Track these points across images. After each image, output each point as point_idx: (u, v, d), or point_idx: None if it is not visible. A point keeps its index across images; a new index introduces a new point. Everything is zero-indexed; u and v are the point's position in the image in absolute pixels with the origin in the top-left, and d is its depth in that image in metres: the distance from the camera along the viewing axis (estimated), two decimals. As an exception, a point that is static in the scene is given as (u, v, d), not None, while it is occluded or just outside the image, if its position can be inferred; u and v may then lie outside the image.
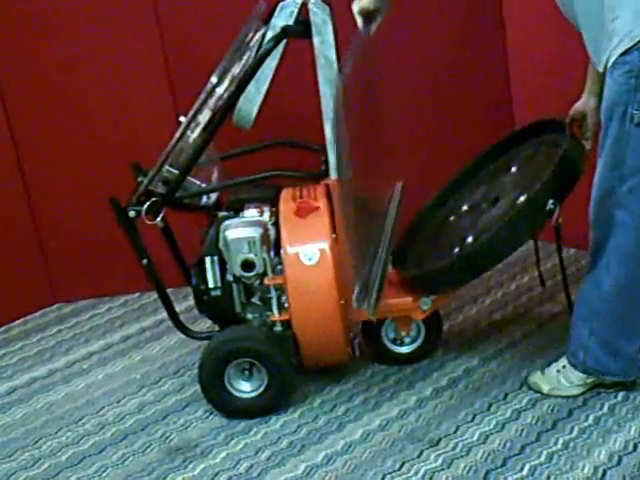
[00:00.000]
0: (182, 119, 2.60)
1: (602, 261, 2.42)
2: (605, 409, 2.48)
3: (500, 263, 2.65)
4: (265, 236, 2.59)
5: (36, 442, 2.69)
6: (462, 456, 2.37)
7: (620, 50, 2.17)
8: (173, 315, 2.78)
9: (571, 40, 2.46)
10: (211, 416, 2.69)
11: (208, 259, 2.63)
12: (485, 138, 2.94)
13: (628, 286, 2.40)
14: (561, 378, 2.55)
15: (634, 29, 2.14)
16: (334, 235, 2.55)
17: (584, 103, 2.57)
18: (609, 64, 2.21)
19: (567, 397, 2.55)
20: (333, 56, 2.46)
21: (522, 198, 2.51)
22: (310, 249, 2.52)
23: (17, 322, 3.55)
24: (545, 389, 2.58)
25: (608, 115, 2.26)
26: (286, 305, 2.59)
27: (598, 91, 2.45)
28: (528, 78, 3.44)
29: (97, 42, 3.31)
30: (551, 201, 2.40)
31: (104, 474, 2.49)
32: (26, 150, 3.44)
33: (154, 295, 3.23)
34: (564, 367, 2.55)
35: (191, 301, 2.90)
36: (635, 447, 2.31)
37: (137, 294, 3.61)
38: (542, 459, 2.31)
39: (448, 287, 2.69)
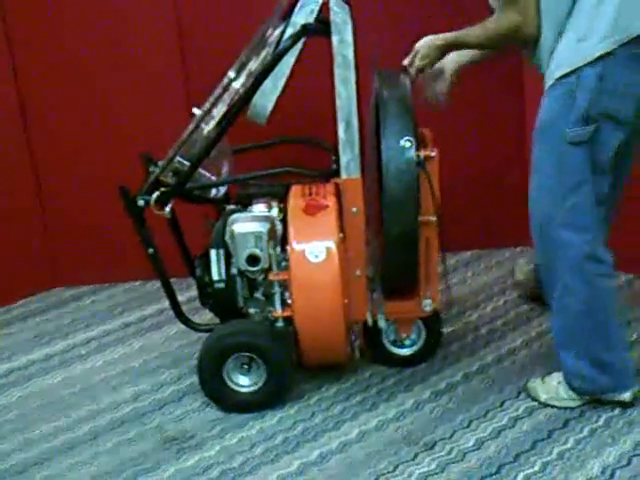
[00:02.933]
0: (196, 111, 2.61)
1: (559, 284, 2.44)
2: (601, 422, 2.48)
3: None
4: (272, 231, 2.60)
5: (30, 426, 2.69)
6: (456, 461, 2.37)
7: (559, 73, 2.31)
8: (175, 305, 2.78)
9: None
10: (207, 408, 2.69)
11: (214, 252, 2.64)
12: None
13: (592, 298, 2.43)
14: (560, 389, 2.56)
15: (574, 56, 2.29)
16: (341, 234, 2.56)
17: (440, 67, 2.64)
18: (547, 85, 2.36)
19: (563, 408, 2.55)
20: (351, 56, 2.46)
21: None
22: (317, 247, 2.52)
23: (17, 304, 3.56)
24: (542, 397, 2.59)
25: (543, 134, 2.38)
26: (289, 301, 2.59)
27: (464, 60, 2.65)
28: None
29: (113, 31, 3.33)
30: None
31: (97, 461, 2.50)
32: (36, 134, 3.45)
33: (156, 284, 3.23)
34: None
35: (193, 292, 2.90)
36: (629, 461, 2.32)
37: (139, 282, 3.61)
38: (536, 468, 2.32)
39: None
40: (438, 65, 2.61)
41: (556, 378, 2.58)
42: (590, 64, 2.26)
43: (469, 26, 2.43)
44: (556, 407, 2.56)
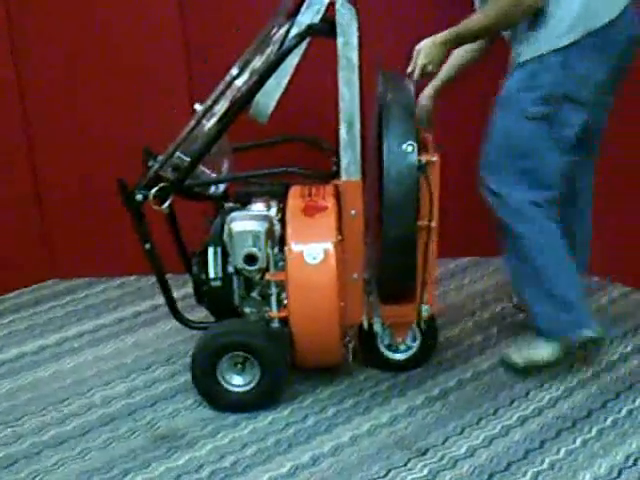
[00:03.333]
0: (197, 107, 2.59)
1: (511, 234, 2.66)
2: (593, 433, 2.48)
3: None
4: (270, 231, 2.59)
5: (19, 419, 2.68)
6: (448, 468, 2.36)
7: (526, 57, 2.53)
8: (170, 302, 2.76)
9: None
10: (200, 407, 2.68)
11: (211, 249, 2.63)
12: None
13: (544, 239, 2.66)
14: (532, 345, 2.75)
15: (542, 42, 2.49)
16: (339, 237, 2.54)
17: (427, 98, 2.83)
18: (518, 61, 2.56)
19: (544, 367, 2.74)
20: (355, 58, 2.45)
21: None
22: (315, 248, 2.51)
23: (11, 294, 3.54)
24: (520, 363, 2.76)
25: (503, 105, 2.59)
26: (285, 302, 2.58)
27: (438, 84, 2.84)
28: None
29: (115, 24, 3.31)
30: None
31: (87, 457, 2.48)
32: (35, 125, 3.44)
33: (151, 279, 3.22)
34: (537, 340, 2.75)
35: (189, 288, 2.88)
36: (620, 473, 2.32)
37: (134, 277, 3.60)
38: (527, 478, 2.31)
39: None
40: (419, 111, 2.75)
41: (527, 338, 2.78)
42: (555, 51, 2.47)
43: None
44: (538, 366, 2.71)
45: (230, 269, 2.64)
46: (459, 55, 2.80)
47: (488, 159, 2.65)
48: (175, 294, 2.80)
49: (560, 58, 2.48)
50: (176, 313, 2.79)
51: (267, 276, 2.59)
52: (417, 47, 2.58)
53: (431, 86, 2.83)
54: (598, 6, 2.45)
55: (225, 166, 2.72)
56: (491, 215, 2.69)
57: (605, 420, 2.52)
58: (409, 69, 2.58)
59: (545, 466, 2.35)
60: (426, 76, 2.60)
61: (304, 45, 2.48)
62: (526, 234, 2.65)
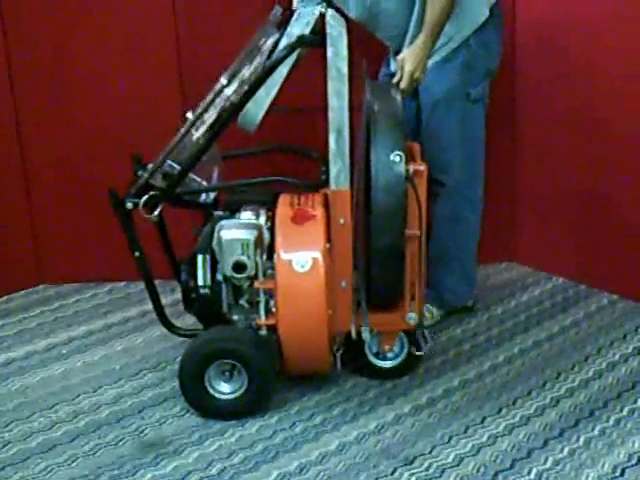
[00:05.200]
0: (189, 115, 2.60)
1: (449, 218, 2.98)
2: (581, 442, 2.49)
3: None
4: (259, 239, 2.59)
5: (7, 425, 2.67)
6: (435, 477, 2.37)
7: (453, 46, 2.74)
8: (159, 309, 2.77)
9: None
10: (187, 414, 2.68)
11: (200, 257, 2.63)
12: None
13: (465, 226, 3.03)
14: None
15: (463, 28, 2.73)
16: (328, 245, 2.55)
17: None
18: (438, 59, 2.76)
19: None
20: (345, 69, 2.46)
21: None
22: (303, 256, 2.52)
23: (0, 299, 3.53)
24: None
25: (447, 101, 2.79)
26: (273, 310, 2.59)
27: None
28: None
29: (109, 33, 3.32)
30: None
31: (74, 463, 2.48)
32: (27, 132, 3.43)
33: (140, 285, 3.22)
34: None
35: (177, 295, 2.90)
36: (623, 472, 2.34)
37: (123, 283, 3.59)
38: (514, 486, 2.33)
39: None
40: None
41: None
42: (474, 33, 2.75)
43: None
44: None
45: (219, 277, 2.65)
46: None
47: (447, 159, 2.86)
48: (164, 301, 2.81)
49: (480, 38, 2.76)
50: (164, 320, 2.79)
51: (256, 284, 2.60)
52: (399, 57, 2.65)
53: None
54: None
55: (215, 174, 2.73)
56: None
57: (593, 429, 2.53)
58: (395, 79, 2.60)
59: (532, 476, 2.35)
60: (415, 83, 2.63)
61: (294, 56, 2.49)
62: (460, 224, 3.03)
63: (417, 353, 2.78)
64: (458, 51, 2.77)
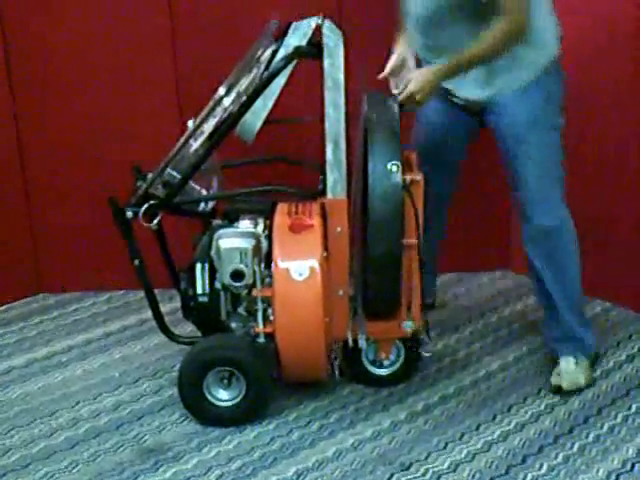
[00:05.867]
0: (190, 123, 2.63)
1: (564, 255, 2.79)
2: (575, 448, 2.52)
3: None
4: (257, 248, 2.62)
5: (8, 432, 2.70)
6: (431, 483, 2.40)
7: (534, 75, 2.63)
8: (158, 317, 2.79)
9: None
10: (186, 421, 2.71)
11: (199, 265, 2.66)
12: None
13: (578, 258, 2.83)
14: (578, 369, 2.82)
15: (542, 57, 2.64)
16: (325, 253, 2.58)
17: (400, 58, 2.77)
18: (514, 88, 2.64)
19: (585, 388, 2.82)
20: (341, 80, 2.50)
21: None
22: (301, 265, 2.55)
23: (0, 309, 3.55)
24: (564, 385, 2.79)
25: (534, 128, 2.66)
26: (271, 318, 2.62)
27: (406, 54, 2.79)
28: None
29: (107, 42, 3.35)
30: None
31: (74, 470, 2.51)
32: (27, 142, 3.46)
33: (139, 294, 3.25)
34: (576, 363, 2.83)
35: (176, 303, 2.92)
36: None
37: (122, 292, 3.61)
38: (509, 492, 2.35)
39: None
40: (397, 61, 2.75)
41: (568, 362, 2.82)
42: (552, 61, 2.65)
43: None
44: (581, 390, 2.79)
45: (217, 285, 2.67)
46: None
47: (541, 193, 2.71)
48: (162, 309, 2.83)
49: (555, 66, 2.66)
50: (164, 328, 2.82)
51: (254, 292, 2.62)
52: (410, 74, 2.62)
53: (408, 58, 2.79)
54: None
55: (215, 183, 2.76)
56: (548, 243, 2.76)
57: (587, 436, 2.56)
58: (396, 90, 2.62)
59: (527, 482, 2.39)
60: (412, 104, 2.59)
61: (291, 67, 2.53)
62: (576, 259, 2.83)
63: (425, 354, 2.83)
64: (540, 80, 2.64)
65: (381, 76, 2.74)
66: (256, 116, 2.56)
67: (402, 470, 2.45)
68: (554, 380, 2.80)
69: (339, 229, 2.61)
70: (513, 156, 2.70)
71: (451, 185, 3.02)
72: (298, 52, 2.52)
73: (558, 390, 2.77)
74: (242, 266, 2.60)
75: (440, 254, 3.13)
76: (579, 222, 2.87)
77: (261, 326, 2.63)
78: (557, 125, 2.70)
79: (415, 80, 2.56)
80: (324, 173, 2.60)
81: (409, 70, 2.74)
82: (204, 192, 2.74)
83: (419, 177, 2.54)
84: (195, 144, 2.61)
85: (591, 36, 3.11)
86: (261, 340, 2.64)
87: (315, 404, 2.78)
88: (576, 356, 2.82)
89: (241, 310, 2.72)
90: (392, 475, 2.43)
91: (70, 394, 2.91)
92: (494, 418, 2.68)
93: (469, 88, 2.69)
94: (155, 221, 2.61)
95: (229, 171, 2.87)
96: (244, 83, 2.58)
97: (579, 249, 2.81)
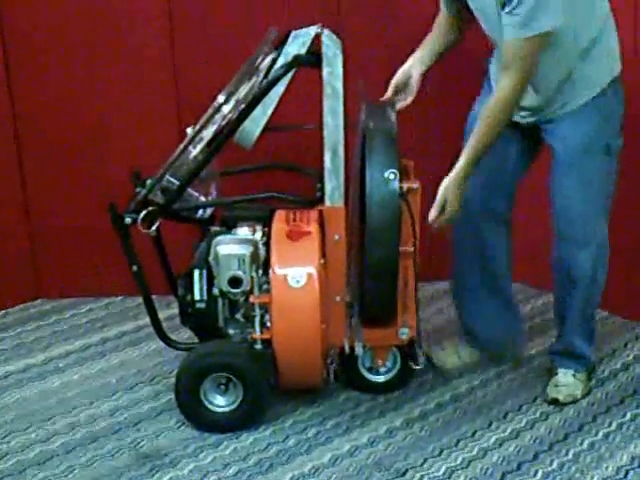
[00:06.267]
0: (189, 131, 2.65)
1: (589, 277, 2.73)
2: (570, 455, 2.53)
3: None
4: (255, 255, 2.64)
5: (5, 437, 2.70)
6: (427, 489, 2.41)
7: (592, 94, 2.53)
8: (156, 323, 2.80)
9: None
10: (183, 427, 2.71)
11: (197, 272, 2.67)
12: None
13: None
14: (577, 381, 2.82)
15: (604, 76, 2.55)
16: (322, 260, 2.60)
17: (412, 66, 2.73)
18: (576, 105, 2.55)
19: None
20: (340, 88, 2.51)
21: None
22: (298, 272, 2.56)
23: (-2, 314, 3.56)
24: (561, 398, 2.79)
25: (587, 152, 2.56)
26: (269, 324, 2.63)
27: (427, 61, 2.73)
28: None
29: (106, 47, 3.35)
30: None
31: (71, 475, 2.51)
32: (26, 146, 3.46)
33: (137, 300, 3.26)
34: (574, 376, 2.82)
35: (173, 310, 2.92)
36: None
37: (120, 297, 3.62)
38: (505, 499, 2.36)
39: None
40: (402, 78, 2.72)
41: (566, 375, 2.82)
42: (610, 83, 2.55)
43: None
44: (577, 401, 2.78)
45: (215, 291, 2.68)
46: (436, 41, 2.75)
47: (600, 221, 2.68)
48: (160, 315, 2.83)
49: (614, 87, 2.56)
50: (161, 334, 2.82)
51: (251, 299, 2.63)
52: (441, 196, 2.51)
53: (421, 64, 2.74)
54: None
55: (213, 189, 2.78)
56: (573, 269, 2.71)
57: (582, 443, 2.58)
58: (431, 216, 2.53)
59: (521, 490, 2.40)
60: (444, 218, 2.54)
61: (290, 75, 2.54)
62: (600, 279, 2.77)
63: (415, 367, 2.80)
64: (597, 99, 2.53)
65: (386, 96, 2.73)
66: (255, 124, 2.57)
67: (398, 476, 2.46)
68: (551, 392, 2.80)
69: (337, 236, 2.63)
70: (559, 180, 2.63)
71: (509, 204, 2.87)
72: (297, 60, 2.53)
73: (555, 402, 2.78)
74: (240, 272, 2.61)
75: (443, 264, 3.09)
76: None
77: (258, 332, 2.64)
78: (614, 149, 2.60)
79: (448, 194, 2.50)
80: (322, 181, 2.62)
81: (413, 89, 2.73)
82: (203, 199, 2.75)
83: (416, 185, 2.56)
84: (194, 151, 2.62)
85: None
86: (258, 346, 2.65)
87: (311, 410, 2.79)
88: (576, 369, 2.83)
89: (238, 316, 2.73)
90: (388, 481, 2.45)
91: (67, 399, 2.91)
92: (490, 425, 2.69)
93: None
94: (154, 227, 2.63)
95: (227, 178, 2.89)
96: (243, 91, 2.60)
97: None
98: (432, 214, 2.52)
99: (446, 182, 2.52)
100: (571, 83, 2.53)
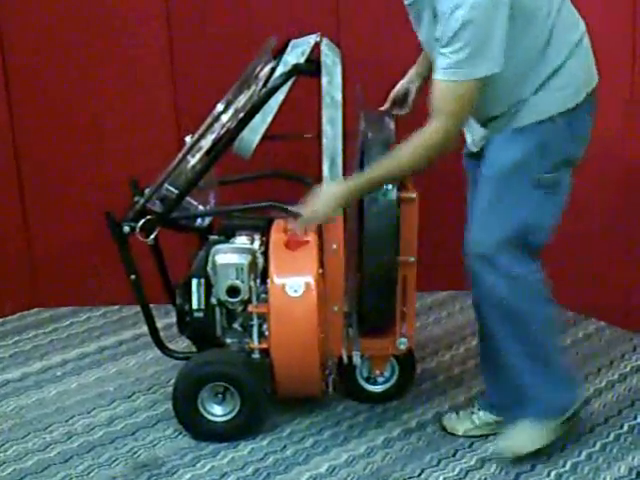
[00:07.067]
0: (188, 139, 2.65)
1: (515, 315, 2.41)
2: (567, 466, 2.52)
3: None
4: (253, 264, 2.64)
5: (2, 445, 2.70)
6: (424, 500, 2.41)
7: (534, 119, 2.30)
8: (154, 332, 2.80)
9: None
10: (180, 436, 2.71)
11: (195, 281, 2.67)
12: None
13: (549, 318, 2.50)
14: (533, 434, 2.52)
15: (551, 104, 2.29)
16: (321, 270, 2.60)
17: (410, 81, 2.69)
18: (508, 128, 2.32)
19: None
20: (339, 97, 2.52)
21: None
22: (296, 281, 2.57)
23: (-5, 322, 3.56)
24: (527, 449, 2.53)
25: (510, 174, 2.32)
26: (266, 334, 2.63)
27: (425, 74, 2.60)
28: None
29: (105, 56, 3.37)
30: None
31: (68, 483, 2.52)
32: (25, 156, 3.47)
33: (134, 309, 3.26)
34: (533, 423, 2.51)
35: (171, 318, 2.92)
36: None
37: (117, 306, 3.62)
38: (502, 510, 2.36)
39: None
40: (401, 91, 2.69)
41: (524, 427, 2.52)
42: (562, 113, 2.30)
43: None
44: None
45: (213, 300, 2.68)
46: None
47: (494, 237, 2.35)
48: (158, 324, 2.83)
49: (567, 119, 2.31)
50: (159, 343, 2.82)
51: (249, 308, 2.64)
52: (318, 192, 2.43)
53: (418, 77, 2.68)
54: (593, 65, 2.40)
55: (211, 199, 2.78)
56: (488, 299, 2.44)
57: (579, 454, 2.57)
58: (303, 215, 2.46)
59: (518, 499, 2.40)
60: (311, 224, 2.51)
61: (289, 84, 2.55)
62: (539, 316, 2.45)
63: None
64: (539, 126, 2.30)
65: (383, 108, 2.72)
66: (254, 132, 2.58)
67: (395, 486, 2.47)
68: (501, 443, 2.58)
69: (334, 246, 2.62)
70: (478, 198, 2.42)
71: None
72: (296, 69, 2.54)
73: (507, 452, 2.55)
74: (238, 282, 2.62)
75: (442, 274, 3.03)
76: (575, 240, 2.89)
77: (256, 342, 2.64)
78: (545, 183, 2.32)
79: (322, 202, 2.41)
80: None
81: (410, 103, 2.70)
82: (201, 207, 2.75)
83: (414, 195, 2.57)
84: (193, 160, 2.62)
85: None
86: (256, 356, 2.65)
87: (309, 420, 2.79)
88: (535, 418, 2.52)
89: (236, 326, 2.73)
90: (385, 491, 2.45)
91: (65, 408, 2.91)
92: (487, 435, 2.68)
93: (474, 128, 2.44)
94: (152, 236, 2.63)
95: (226, 187, 2.89)
96: (242, 100, 2.61)
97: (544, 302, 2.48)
98: (303, 214, 2.44)
99: (333, 189, 2.43)
100: (516, 109, 2.32)
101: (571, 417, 2.54)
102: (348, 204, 2.49)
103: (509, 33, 2.16)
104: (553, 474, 2.49)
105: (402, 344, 2.72)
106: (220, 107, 2.63)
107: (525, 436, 2.52)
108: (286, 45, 2.63)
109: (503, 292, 2.38)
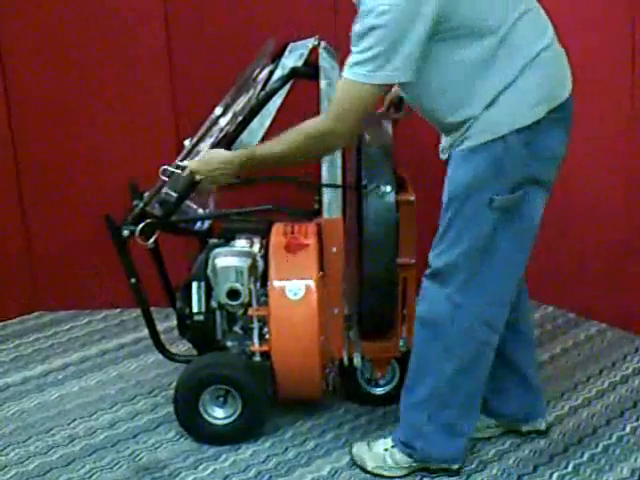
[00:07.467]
0: (186, 143, 2.65)
1: (439, 348, 2.36)
2: (570, 468, 2.51)
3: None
4: (253, 267, 2.64)
5: (4, 449, 2.70)
6: (425, 502, 2.41)
7: (485, 139, 2.19)
8: (154, 335, 2.80)
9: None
10: (182, 439, 2.71)
11: (195, 284, 2.67)
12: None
13: (471, 365, 2.38)
14: (387, 457, 2.48)
15: (502, 122, 2.18)
16: (321, 273, 2.60)
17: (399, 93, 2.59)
18: (463, 146, 2.23)
19: (390, 477, 2.48)
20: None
21: None
22: (296, 284, 2.57)
23: (-4, 326, 3.57)
24: (369, 466, 2.50)
25: (463, 195, 2.23)
26: (267, 336, 2.63)
27: None
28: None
29: (103, 61, 3.38)
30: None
31: (70, 487, 2.52)
32: (24, 159, 3.48)
33: (135, 312, 3.26)
34: (393, 447, 2.48)
35: (171, 322, 2.92)
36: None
37: (118, 310, 3.63)
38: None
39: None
40: (397, 95, 2.64)
41: (382, 445, 2.51)
42: (517, 131, 2.17)
43: None
44: (382, 477, 2.48)
45: (213, 304, 2.69)
46: None
47: (446, 261, 2.29)
48: (159, 327, 2.83)
49: (523, 138, 2.18)
50: (160, 346, 2.82)
51: (250, 311, 2.64)
52: (208, 151, 2.47)
53: None
54: (558, 82, 2.26)
55: (211, 202, 2.78)
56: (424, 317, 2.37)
57: (566, 466, 2.57)
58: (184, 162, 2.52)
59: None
60: (194, 185, 2.50)
61: (287, 87, 2.55)
62: (466, 357, 2.35)
63: None
64: (491, 145, 2.18)
65: (379, 111, 2.70)
66: (252, 136, 2.58)
67: (396, 489, 2.46)
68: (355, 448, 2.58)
69: (334, 249, 2.63)
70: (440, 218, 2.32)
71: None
72: (295, 73, 2.54)
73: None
74: (238, 285, 2.62)
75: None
76: (577, 244, 2.88)
77: (257, 345, 2.64)
78: (503, 206, 2.21)
79: (206, 160, 2.43)
80: (320, 193, 2.62)
81: (406, 106, 2.62)
82: (200, 211, 2.76)
83: (412, 197, 2.57)
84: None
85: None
86: (257, 359, 2.65)
87: (311, 423, 2.79)
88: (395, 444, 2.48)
89: (237, 329, 2.73)
90: (386, 494, 2.44)
91: (66, 411, 2.91)
92: (489, 438, 2.67)
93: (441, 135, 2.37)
94: (152, 240, 2.63)
95: (225, 190, 2.88)
96: (240, 103, 2.61)
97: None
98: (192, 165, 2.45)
99: (214, 151, 2.45)
100: (468, 125, 2.22)
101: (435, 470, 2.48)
102: (238, 172, 2.41)
103: (449, 45, 2.13)
104: (555, 476, 2.48)
105: (403, 346, 2.72)
106: (218, 110, 2.64)
107: (377, 454, 2.50)
108: (284, 48, 2.63)
109: (443, 315, 2.32)
